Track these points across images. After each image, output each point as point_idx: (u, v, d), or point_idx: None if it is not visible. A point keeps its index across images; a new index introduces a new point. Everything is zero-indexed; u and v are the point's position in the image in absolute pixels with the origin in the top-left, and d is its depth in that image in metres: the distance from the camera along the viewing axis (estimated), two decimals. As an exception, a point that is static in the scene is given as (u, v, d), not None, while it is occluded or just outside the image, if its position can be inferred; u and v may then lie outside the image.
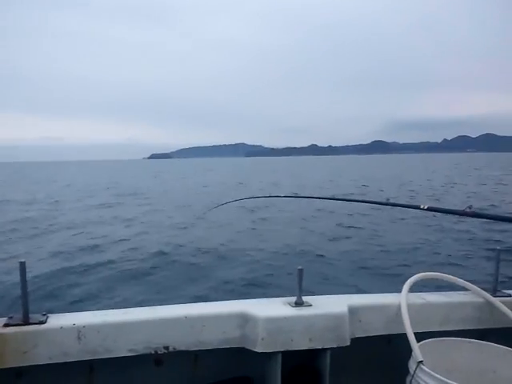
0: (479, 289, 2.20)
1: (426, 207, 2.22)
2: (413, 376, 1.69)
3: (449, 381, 1.54)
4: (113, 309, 1.99)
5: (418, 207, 2.28)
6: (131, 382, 2.01)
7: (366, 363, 2.21)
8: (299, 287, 2.04)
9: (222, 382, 2.06)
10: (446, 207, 2.17)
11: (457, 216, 2.10)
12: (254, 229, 13.80)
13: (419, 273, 2.19)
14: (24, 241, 12.16)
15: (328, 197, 3.21)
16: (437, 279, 2.22)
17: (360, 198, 3.13)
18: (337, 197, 3.08)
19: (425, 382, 1.62)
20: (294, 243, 11.23)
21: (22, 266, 1.73)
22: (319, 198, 3.46)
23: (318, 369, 2.05)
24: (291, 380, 2.03)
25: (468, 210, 2.01)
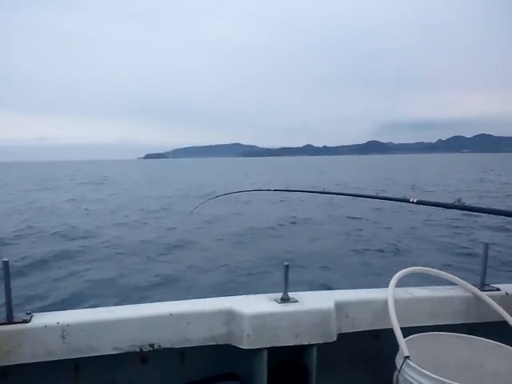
0: (467, 283, 2.17)
1: (415, 201, 2.19)
2: (399, 371, 1.67)
3: (435, 376, 1.52)
4: (97, 307, 1.96)
5: (407, 201, 2.25)
6: (117, 380, 1.98)
7: (353, 359, 2.18)
8: (285, 283, 2.02)
9: (209, 379, 2.03)
10: (436, 200, 2.14)
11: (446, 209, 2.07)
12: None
13: (406, 267, 2.16)
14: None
15: (319, 190, 3.16)
16: (424, 274, 2.19)
17: (352, 192, 3.08)
18: (327, 191, 3.03)
19: (411, 377, 1.60)
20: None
21: (6, 265, 1.70)
22: (309, 192, 3.43)
23: (305, 365, 2.02)
24: (278, 376, 2.00)
25: (457, 203, 1.98)
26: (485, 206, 1.93)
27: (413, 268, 2.17)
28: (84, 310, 1.93)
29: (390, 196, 2.45)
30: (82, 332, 1.77)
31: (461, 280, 2.19)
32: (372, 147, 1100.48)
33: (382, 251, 9.62)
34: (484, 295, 2.09)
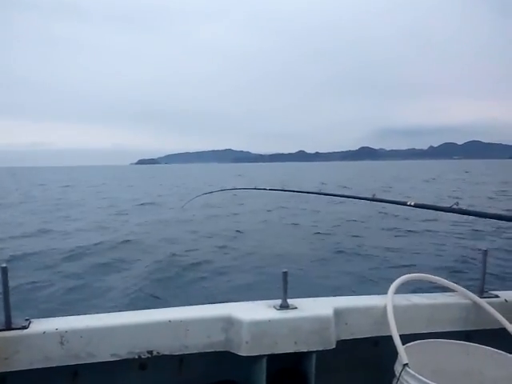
0: (465, 290, 2.17)
1: (412, 203, 2.17)
2: (398, 378, 1.65)
3: (434, 383, 1.50)
4: (96, 313, 1.95)
5: (404, 203, 2.24)
6: None
7: (352, 366, 2.17)
8: (284, 290, 2.00)
9: None
10: (433, 204, 2.11)
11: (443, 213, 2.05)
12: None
13: (405, 274, 2.15)
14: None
15: (314, 191, 3.14)
16: (423, 280, 2.18)
17: (346, 194, 3.06)
18: (323, 192, 3.01)
19: None
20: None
21: (4, 270, 1.68)
22: (305, 193, 3.41)
23: (304, 372, 2.01)
24: (276, 383, 1.98)
25: (455, 206, 1.95)
26: (483, 211, 1.90)
27: (412, 275, 2.16)
28: (83, 315, 1.91)
29: (387, 198, 2.43)
30: (80, 338, 1.75)
31: (460, 287, 2.18)
32: (364, 153, 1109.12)
33: (383, 257, 9.54)
34: (483, 302, 2.09)
